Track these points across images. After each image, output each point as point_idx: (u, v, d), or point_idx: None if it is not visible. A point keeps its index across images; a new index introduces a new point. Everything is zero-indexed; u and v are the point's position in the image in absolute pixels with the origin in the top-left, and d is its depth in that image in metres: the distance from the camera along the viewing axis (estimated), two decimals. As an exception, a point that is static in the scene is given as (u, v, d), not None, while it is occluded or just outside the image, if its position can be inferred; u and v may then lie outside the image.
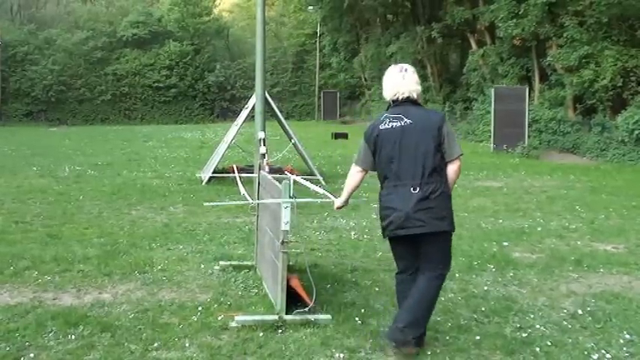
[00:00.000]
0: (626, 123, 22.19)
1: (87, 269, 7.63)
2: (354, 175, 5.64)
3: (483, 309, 6.38)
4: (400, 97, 5.37)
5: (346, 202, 5.81)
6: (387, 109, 5.48)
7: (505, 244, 9.33)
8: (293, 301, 6.02)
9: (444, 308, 6.36)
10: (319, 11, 48.03)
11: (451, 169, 5.24)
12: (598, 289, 7.24)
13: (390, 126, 5.30)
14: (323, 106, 52.80)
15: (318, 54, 53.98)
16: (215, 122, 49.69)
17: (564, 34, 26.09)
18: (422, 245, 5.25)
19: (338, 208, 5.90)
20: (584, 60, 25.06)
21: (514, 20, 27.96)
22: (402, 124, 5.25)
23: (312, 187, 6.98)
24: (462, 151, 5.32)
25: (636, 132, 21.70)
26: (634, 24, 25.01)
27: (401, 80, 5.40)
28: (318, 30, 52.81)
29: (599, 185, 16.26)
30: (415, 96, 5.38)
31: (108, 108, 52.89)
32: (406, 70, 5.46)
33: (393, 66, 5.63)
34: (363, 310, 6.22)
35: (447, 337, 5.67)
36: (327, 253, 8.63)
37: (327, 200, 6.45)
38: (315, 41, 54.01)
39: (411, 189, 5.11)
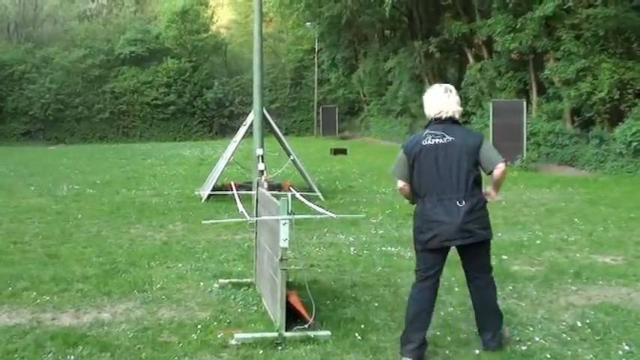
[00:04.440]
0: (623, 135, 22.21)
1: (86, 289, 7.63)
2: (403, 188, 5.90)
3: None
4: (444, 116, 5.68)
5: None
6: (427, 126, 5.79)
7: (504, 257, 9.33)
8: (292, 317, 6.03)
9: (443, 322, 6.37)
10: (317, 27, 48.08)
11: (496, 173, 5.55)
12: (597, 300, 7.25)
13: (432, 142, 5.59)
14: (322, 121, 52.80)
15: (316, 69, 54.04)
16: (214, 139, 49.67)
17: (561, 48, 26.17)
18: (466, 254, 5.67)
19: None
20: (581, 73, 25.12)
21: (511, 34, 28.05)
22: (445, 141, 5.56)
23: (309, 204, 6.99)
24: (502, 158, 5.58)
25: (634, 144, 21.72)
26: (630, 37, 25.10)
27: (446, 99, 5.73)
28: (316, 46, 52.86)
29: (597, 197, 16.27)
30: (457, 116, 5.74)
31: (106, 126, 52.75)
32: (451, 90, 5.82)
33: (437, 85, 5.97)
34: (362, 326, 6.22)
35: (447, 352, 5.68)
36: (326, 269, 8.63)
37: (325, 216, 6.46)
38: (314, 57, 54.06)
39: (457, 202, 5.44)
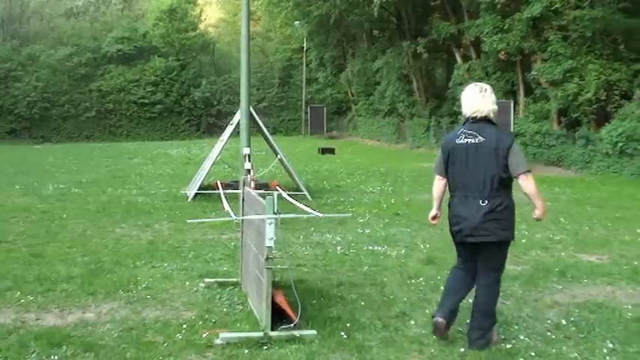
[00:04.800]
0: (610, 135, 22.32)
1: (70, 289, 7.58)
2: (437, 183, 6.10)
3: (468, 321, 6.36)
4: (479, 116, 5.78)
5: (438, 209, 6.21)
6: (464, 124, 5.91)
7: (490, 256, 9.34)
8: (278, 317, 6.01)
9: (428, 321, 6.35)
10: (305, 26, 48.09)
11: (521, 184, 5.65)
12: (582, 299, 7.29)
13: (465, 141, 5.75)
14: (310, 121, 52.75)
15: (304, 69, 54.03)
16: (201, 138, 49.60)
17: (548, 49, 26.28)
18: (483, 251, 5.78)
19: (433, 217, 6.27)
20: (568, 74, 25.23)
21: (499, 35, 28.17)
22: (476, 141, 5.69)
23: (295, 203, 6.98)
24: (528, 167, 5.69)
25: (620, 144, 21.83)
26: (617, 38, 25.21)
27: (481, 99, 5.80)
28: (304, 45, 52.84)
29: (583, 197, 16.35)
30: (492, 115, 5.80)
31: (93, 125, 52.51)
32: (485, 90, 5.86)
33: (473, 85, 6.02)
34: (348, 325, 6.21)
35: (432, 350, 5.68)
36: (313, 269, 8.62)
37: (312, 215, 6.45)
38: (302, 56, 54.03)
39: (480, 201, 5.63)
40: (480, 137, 5.69)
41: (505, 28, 27.83)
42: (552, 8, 25.28)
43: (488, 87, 5.92)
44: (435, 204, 6.18)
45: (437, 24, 34.92)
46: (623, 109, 23.38)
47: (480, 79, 31.58)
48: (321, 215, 6.30)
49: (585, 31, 24.61)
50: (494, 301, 5.90)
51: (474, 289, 5.97)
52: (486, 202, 5.61)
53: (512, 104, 26.31)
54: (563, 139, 26.13)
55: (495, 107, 5.84)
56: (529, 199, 5.79)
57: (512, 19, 27.43)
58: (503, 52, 29.96)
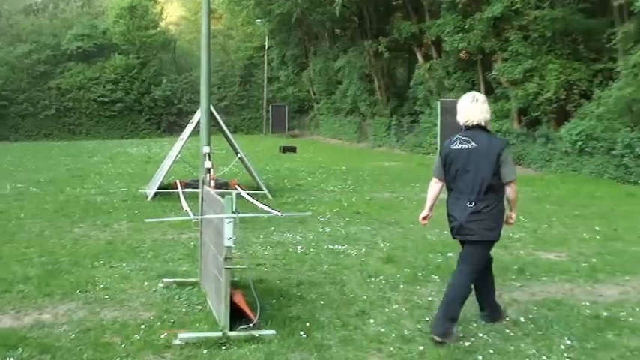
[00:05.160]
0: (569, 134, 22.57)
1: (27, 289, 7.46)
2: (433, 185, 6.43)
3: (427, 319, 6.42)
4: (471, 124, 6.15)
5: (430, 210, 6.50)
6: (461, 131, 6.26)
7: (450, 254, 9.36)
8: (237, 317, 5.98)
9: (388, 319, 6.39)
10: (267, 24, 48.03)
11: (507, 190, 6.10)
12: (540, 296, 7.36)
13: (459, 147, 6.12)
14: (271, 119, 52.66)
15: (266, 67, 53.94)
16: (162, 137, 49.26)
17: (509, 48, 26.54)
18: (469, 245, 6.19)
19: (424, 218, 6.55)
20: (528, 73, 25.50)
21: (460, 34, 28.40)
22: (469, 146, 6.06)
23: (254, 202, 6.95)
24: (514, 176, 6.08)
25: (579, 143, 22.09)
26: (577, 38, 25.50)
27: (472, 108, 6.17)
28: (266, 43, 52.78)
29: (542, 195, 16.52)
30: (483, 123, 6.15)
31: (52, 123, 51.82)
32: (477, 99, 6.23)
33: (467, 95, 6.38)
34: (307, 324, 6.20)
35: (391, 348, 5.69)
36: (272, 268, 8.59)
37: (271, 215, 6.43)
38: (263, 54, 53.95)
39: (467, 203, 6.02)
40: (472, 143, 6.05)
41: (466, 27, 28.07)
42: (513, 8, 25.53)
43: (481, 96, 6.27)
44: (428, 205, 6.47)
45: (398, 23, 35.07)
46: (582, 109, 23.66)
47: (441, 79, 31.92)
48: (280, 214, 6.30)
49: (545, 31, 24.89)
50: (464, 296, 6.13)
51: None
52: (473, 204, 5.99)
53: (472, 103, 26.48)
54: (524, 138, 26.41)
55: (487, 116, 6.17)
56: (509, 204, 6.24)
57: (473, 19, 27.67)
58: (464, 52, 30.20)
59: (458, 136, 6.21)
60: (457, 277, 6.18)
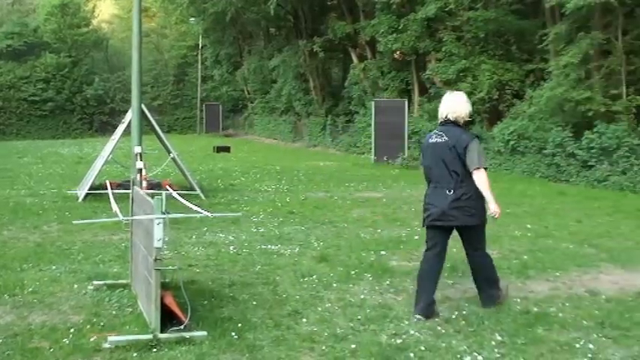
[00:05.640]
0: (502, 134, 22.93)
1: (-48, 294, 7.25)
2: (424, 173, 7.02)
3: (360, 317, 6.45)
4: (443, 119, 6.80)
5: None
6: (437, 125, 6.95)
7: (383, 253, 9.45)
8: (168, 318, 5.90)
9: (320, 318, 6.38)
10: (201, 23, 47.75)
11: (474, 177, 6.54)
12: (472, 293, 7.38)
13: (435, 140, 6.74)
14: (205, 119, 52.43)
15: (200, 66, 53.67)
16: (94, 137, 48.53)
17: (443, 49, 26.86)
18: (463, 233, 6.81)
19: None
20: (461, 74, 25.83)
21: (394, 35, 28.60)
22: (442, 140, 6.66)
23: (185, 202, 6.87)
24: (479, 164, 6.53)
25: (511, 142, 22.45)
26: (509, 39, 25.95)
27: (444, 104, 6.84)
28: (200, 42, 52.49)
29: (475, 194, 16.69)
30: (453, 118, 6.72)
31: (-20, 123, 50.79)
32: (453, 96, 6.90)
33: (447, 93, 7.05)
34: (239, 325, 6.15)
35: (323, 347, 5.68)
36: (204, 269, 8.50)
37: (201, 215, 6.36)
38: (197, 53, 53.67)
39: (447, 191, 6.55)
40: (445, 137, 6.64)
41: (400, 28, 28.29)
42: (447, 9, 25.87)
43: (457, 94, 6.96)
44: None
45: (333, 23, 35.20)
46: (514, 108, 24.07)
47: (376, 79, 32.12)
48: (210, 215, 6.23)
49: (478, 31, 25.25)
50: (490, 266, 6.97)
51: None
52: (452, 191, 6.53)
53: (406, 103, 26.73)
54: (456, 138, 26.71)
55: (460, 113, 6.72)
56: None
57: (407, 20, 27.90)
58: (398, 52, 30.44)
59: (435, 130, 6.88)
60: (477, 259, 6.92)
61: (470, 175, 6.53)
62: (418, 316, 6.48)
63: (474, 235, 6.82)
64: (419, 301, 6.62)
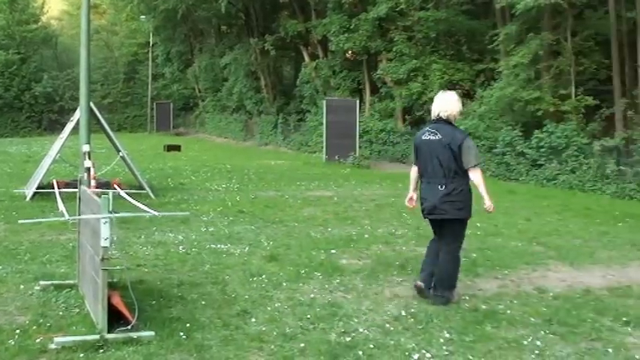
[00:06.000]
0: (452, 133, 23.13)
1: None
2: (413, 170, 7.40)
3: (309, 316, 6.45)
4: (435, 117, 7.14)
5: (414, 190, 7.40)
6: (429, 123, 7.30)
7: (333, 251, 9.47)
8: (115, 319, 5.85)
9: (269, 317, 6.38)
10: (152, 20, 47.38)
11: (470, 175, 6.95)
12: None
13: (427, 138, 7.08)
14: (156, 117, 52.05)
15: (150, 64, 53.26)
16: (43, 135, 47.85)
17: (394, 49, 27.07)
18: (444, 227, 7.12)
19: (409, 200, 7.47)
20: (412, 73, 26.07)
21: (346, 34, 28.74)
22: (435, 137, 6.99)
23: (132, 201, 6.81)
24: (476, 162, 6.98)
25: (462, 141, 22.66)
26: (460, 39, 26.26)
27: (438, 104, 7.15)
28: (150, 40, 52.07)
29: (425, 193, 16.81)
30: (445, 116, 7.06)
31: None
32: (445, 95, 7.24)
33: (441, 91, 7.42)
34: (188, 325, 6.11)
35: (272, 347, 5.67)
36: (153, 269, 8.42)
37: (149, 214, 6.31)
38: (148, 51, 53.26)
39: (439, 186, 6.92)
40: (438, 135, 6.98)
41: (352, 27, 28.43)
42: (398, 9, 26.06)
43: (449, 93, 7.30)
44: (411, 186, 7.44)
45: (285, 22, 35.22)
46: (465, 108, 24.26)
47: (327, 78, 32.21)
48: (157, 214, 6.18)
49: (429, 31, 25.51)
50: (452, 268, 7.15)
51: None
52: (444, 187, 6.89)
53: (357, 102, 26.84)
54: (408, 137, 26.89)
55: (452, 112, 7.06)
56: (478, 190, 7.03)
57: (358, 19, 28.05)
58: (350, 52, 30.58)
59: (427, 128, 7.19)
60: (443, 257, 7.10)
61: (461, 170, 6.90)
62: (419, 283, 7.11)
63: (453, 229, 7.12)
64: (422, 271, 7.24)
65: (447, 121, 7.07)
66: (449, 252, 7.12)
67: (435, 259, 7.17)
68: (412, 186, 7.40)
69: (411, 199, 7.44)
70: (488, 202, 7.06)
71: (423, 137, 7.12)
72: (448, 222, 7.05)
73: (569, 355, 5.68)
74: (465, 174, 6.94)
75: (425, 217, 7.28)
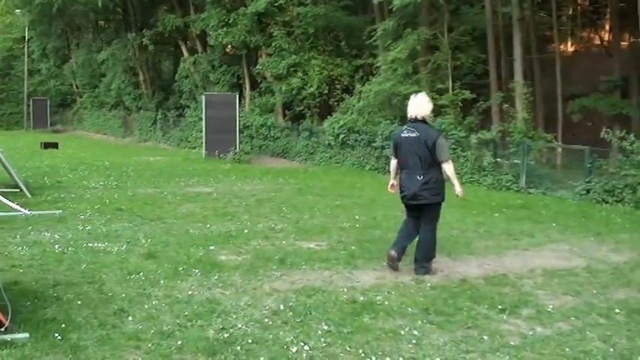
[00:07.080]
0: (332, 128, 23.47)
1: None
2: (393, 162, 8.62)
3: (187, 313, 6.43)
4: (413, 117, 8.29)
5: (394, 179, 8.69)
6: (407, 123, 8.41)
7: (212, 248, 9.45)
8: (-12, 322, 5.69)
9: (147, 316, 6.33)
10: (27, 15, 45.96)
11: (443, 167, 8.19)
12: (300, 284, 7.57)
13: (406, 135, 8.25)
14: (32, 114, 50.48)
15: (26, 59, 51.58)
16: None
17: (273, 44, 27.18)
18: (423, 210, 8.28)
19: (391, 186, 8.79)
20: (292, 68, 26.26)
21: (224, 29, 28.64)
22: (413, 135, 8.16)
23: (3, 200, 6.65)
24: (447, 157, 8.25)
25: (341, 136, 23.03)
26: (339, 35, 26.63)
27: (412, 105, 8.33)
28: (26, 34, 50.42)
29: (306, 187, 17.02)
30: (420, 117, 8.24)
31: None
32: (418, 98, 8.35)
33: (414, 94, 8.53)
34: (63, 325, 6.00)
35: (150, 345, 5.63)
36: (28, 269, 8.19)
37: (19, 214, 6.17)
38: (24, 46, 51.58)
39: (418, 176, 8.09)
40: (416, 132, 8.14)
41: (230, 22, 28.36)
42: (277, 4, 26.19)
43: (420, 97, 8.37)
44: (391, 176, 8.76)
45: (163, 16, 34.80)
46: (344, 103, 24.69)
47: (207, 72, 32.07)
48: (28, 213, 6.06)
49: (308, 27, 25.77)
50: (432, 243, 8.37)
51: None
52: (422, 176, 8.07)
53: (237, 97, 26.81)
54: (288, 132, 27.14)
55: (425, 112, 8.27)
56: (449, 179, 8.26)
57: (237, 14, 28.03)
58: (229, 46, 30.51)
59: (405, 127, 8.35)
60: (424, 235, 8.32)
61: (435, 163, 8.07)
62: (393, 252, 8.28)
63: (433, 212, 8.30)
64: (396, 244, 8.37)
65: (423, 121, 8.27)
66: (429, 230, 8.32)
67: (407, 237, 8.44)
68: (392, 175, 8.69)
69: (392, 185, 8.73)
70: (458, 189, 8.33)
71: (402, 135, 8.31)
72: (427, 206, 8.20)
73: (445, 344, 5.83)
74: (438, 165, 8.13)
75: (406, 203, 8.35)
